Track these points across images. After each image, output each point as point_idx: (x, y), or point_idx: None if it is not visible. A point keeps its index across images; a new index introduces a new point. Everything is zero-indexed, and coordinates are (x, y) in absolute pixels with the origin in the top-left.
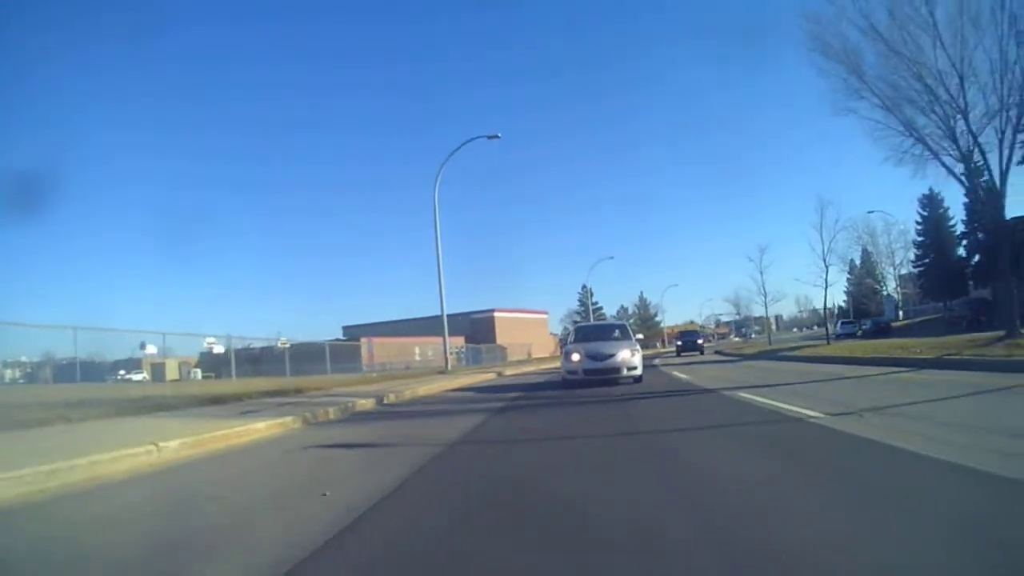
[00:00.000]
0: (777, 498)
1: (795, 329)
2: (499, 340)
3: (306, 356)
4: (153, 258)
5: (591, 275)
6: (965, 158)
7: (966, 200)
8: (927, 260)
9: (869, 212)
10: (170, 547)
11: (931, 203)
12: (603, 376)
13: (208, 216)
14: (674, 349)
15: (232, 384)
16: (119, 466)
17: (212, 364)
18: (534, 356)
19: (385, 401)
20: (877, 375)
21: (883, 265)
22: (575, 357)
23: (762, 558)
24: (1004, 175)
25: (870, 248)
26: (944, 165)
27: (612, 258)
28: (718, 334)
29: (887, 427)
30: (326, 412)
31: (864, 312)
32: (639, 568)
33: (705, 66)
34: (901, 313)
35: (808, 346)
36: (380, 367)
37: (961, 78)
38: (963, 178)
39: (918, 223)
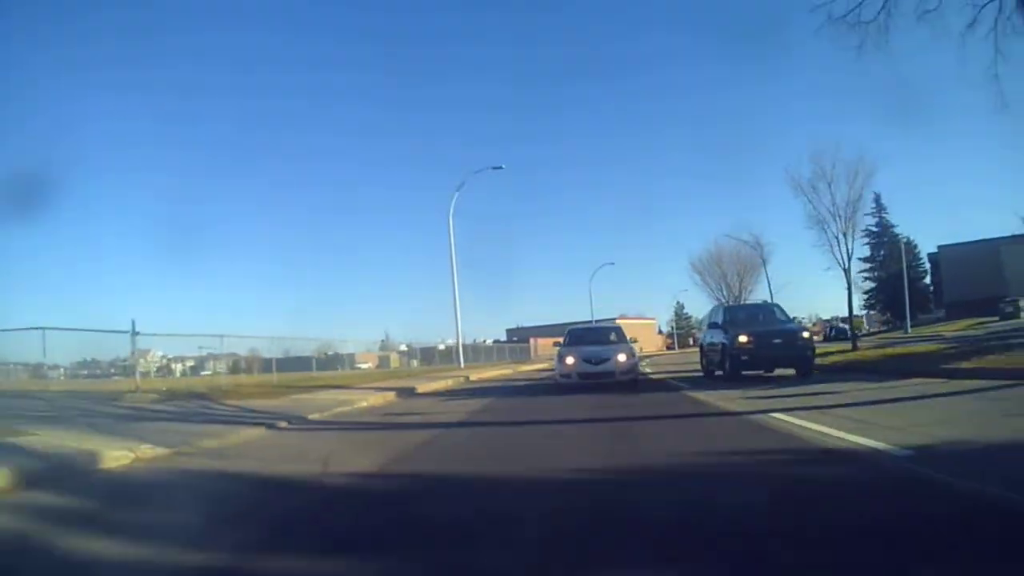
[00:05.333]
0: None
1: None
2: None
3: (490, 350)
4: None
5: (679, 295)
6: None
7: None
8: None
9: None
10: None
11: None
12: (598, 380)
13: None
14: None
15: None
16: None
17: (417, 354)
18: (645, 351)
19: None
20: None
21: None
22: (569, 361)
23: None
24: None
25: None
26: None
27: (686, 291)
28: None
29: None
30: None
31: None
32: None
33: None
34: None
35: None
36: (540, 358)
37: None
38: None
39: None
